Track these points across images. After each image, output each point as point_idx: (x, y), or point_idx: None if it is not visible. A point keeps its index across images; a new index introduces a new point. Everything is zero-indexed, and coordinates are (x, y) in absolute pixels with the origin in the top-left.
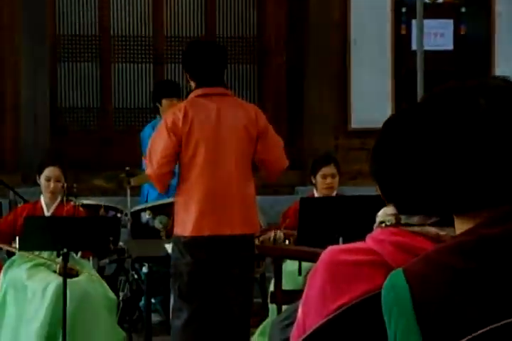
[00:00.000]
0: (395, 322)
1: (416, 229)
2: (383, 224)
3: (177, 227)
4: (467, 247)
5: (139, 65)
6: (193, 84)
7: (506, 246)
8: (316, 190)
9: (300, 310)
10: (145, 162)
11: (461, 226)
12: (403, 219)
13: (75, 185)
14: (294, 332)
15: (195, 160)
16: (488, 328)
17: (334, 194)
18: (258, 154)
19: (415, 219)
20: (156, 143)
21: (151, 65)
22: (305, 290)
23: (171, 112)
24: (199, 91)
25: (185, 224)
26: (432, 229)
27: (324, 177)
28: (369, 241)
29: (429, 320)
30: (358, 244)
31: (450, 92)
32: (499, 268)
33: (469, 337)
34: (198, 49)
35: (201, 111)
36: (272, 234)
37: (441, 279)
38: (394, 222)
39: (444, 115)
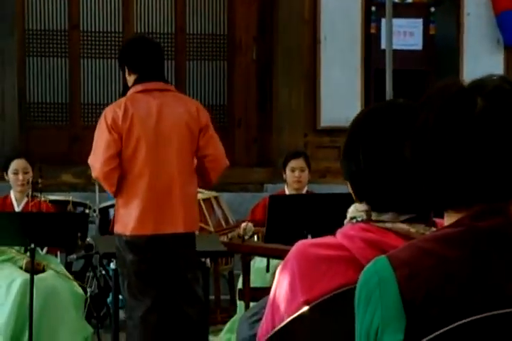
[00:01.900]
0: (374, 308)
1: (387, 225)
2: (354, 220)
3: (118, 225)
4: (456, 237)
5: (108, 60)
6: (132, 78)
7: (494, 238)
8: (287, 185)
9: (268, 305)
10: (89, 162)
11: (450, 221)
12: (374, 215)
13: (40, 181)
14: (262, 326)
15: (136, 157)
16: (470, 319)
17: (304, 191)
18: (200, 150)
19: (386, 216)
20: (98, 141)
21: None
22: (274, 284)
23: (111, 109)
24: (139, 87)
25: (126, 223)
26: (403, 226)
27: (293, 170)
28: (339, 237)
29: (415, 304)
30: (329, 239)
31: (448, 91)
32: (487, 259)
33: (453, 325)
34: (138, 43)
35: (141, 107)
36: (242, 225)
37: (428, 265)
38: (365, 217)
39: (441, 114)
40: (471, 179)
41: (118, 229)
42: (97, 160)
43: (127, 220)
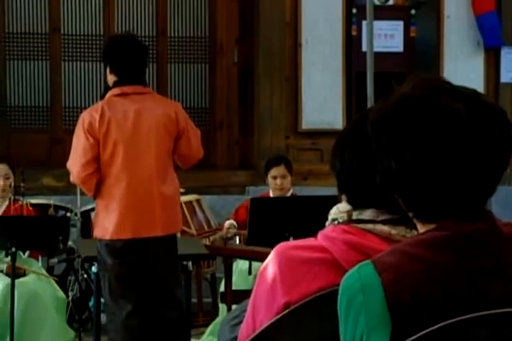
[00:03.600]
0: (357, 314)
1: (368, 226)
2: (335, 222)
3: (97, 230)
4: (441, 241)
5: (89, 63)
6: (112, 78)
7: (480, 242)
8: (270, 189)
9: (249, 307)
10: (67, 167)
11: (421, 230)
12: (355, 215)
13: (22, 184)
14: (242, 329)
15: (114, 161)
16: (454, 320)
17: (289, 194)
18: (178, 151)
19: (367, 214)
20: (75, 146)
21: (102, 63)
22: (255, 286)
23: (88, 113)
24: (117, 91)
25: (106, 227)
26: (384, 228)
27: (274, 178)
28: (320, 239)
29: (401, 309)
30: (310, 241)
31: (426, 94)
32: (472, 263)
33: (438, 326)
34: (124, 44)
35: (118, 111)
36: (226, 223)
37: (413, 269)
38: (346, 219)
39: (422, 117)
40: (444, 192)
41: (98, 233)
42: (74, 165)
43: (106, 224)
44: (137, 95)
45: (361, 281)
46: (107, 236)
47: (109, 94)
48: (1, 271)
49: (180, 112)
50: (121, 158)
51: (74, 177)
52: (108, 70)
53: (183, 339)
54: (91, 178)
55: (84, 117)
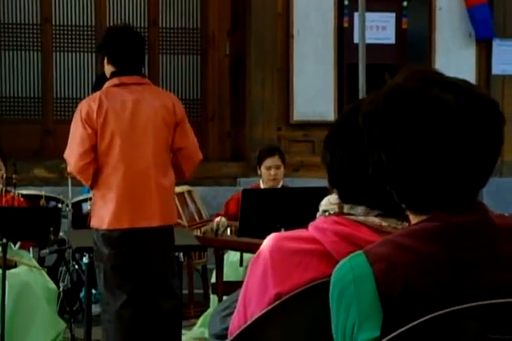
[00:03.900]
0: (348, 305)
1: (360, 218)
2: (326, 213)
3: (94, 220)
4: (433, 232)
5: (81, 54)
6: (110, 69)
7: (471, 233)
8: (262, 181)
9: (240, 298)
10: (64, 156)
11: (414, 220)
12: (346, 208)
13: (14, 176)
14: (234, 319)
15: (111, 151)
16: (445, 311)
17: (280, 185)
18: (175, 143)
19: (358, 210)
20: (73, 135)
21: (93, 54)
22: (246, 277)
23: (85, 103)
24: (115, 81)
25: (103, 217)
26: (376, 220)
27: (268, 168)
28: (312, 230)
29: (392, 299)
30: (301, 232)
31: (417, 86)
32: (463, 254)
33: (428, 316)
34: (122, 35)
35: (116, 101)
36: (216, 219)
37: (405, 260)
38: (337, 210)
39: (411, 109)
40: (435, 184)
41: (94, 223)
42: (72, 155)
43: (103, 214)
44: (135, 85)
45: (353, 272)
46: (104, 226)
47: (107, 84)
48: None
49: (177, 104)
50: (119, 148)
51: (71, 166)
52: (105, 61)
53: (175, 330)
54: (88, 168)
55: (82, 107)
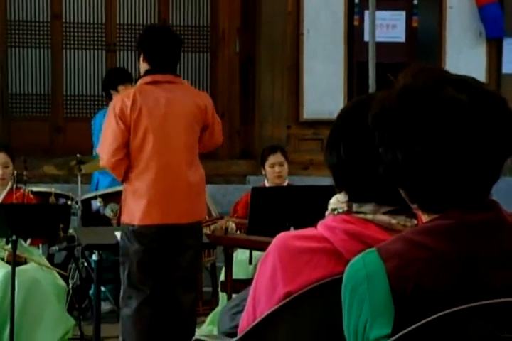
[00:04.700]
0: (361, 302)
1: (368, 216)
2: (335, 212)
3: (125, 215)
4: (446, 230)
5: (91, 51)
6: (145, 67)
7: (484, 231)
8: (267, 180)
9: (250, 296)
10: (97, 151)
11: (425, 219)
12: (355, 207)
13: (25, 173)
14: (243, 317)
15: (144, 148)
16: (456, 309)
17: (286, 183)
18: (203, 141)
19: (368, 208)
20: (106, 131)
21: (103, 52)
22: (255, 276)
23: (119, 99)
24: (148, 79)
25: (133, 213)
26: (384, 218)
27: (272, 166)
28: (321, 228)
29: (404, 296)
30: (310, 231)
31: (429, 85)
32: (476, 251)
33: (439, 314)
34: (159, 34)
35: (150, 98)
36: (224, 224)
37: (418, 257)
38: (346, 209)
39: (428, 109)
40: (451, 183)
41: (125, 218)
42: (104, 151)
43: (134, 210)
44: (168, 84)
45: (366, 268)
46: (135, 222)
47: (140, 81)
48: (2, 259)
49: (209, 104)
50: (152, 145)
51: (104, 162)
52: (141, 58)
53: (193, 323)
54: (120, 164)
55: (116, 103)
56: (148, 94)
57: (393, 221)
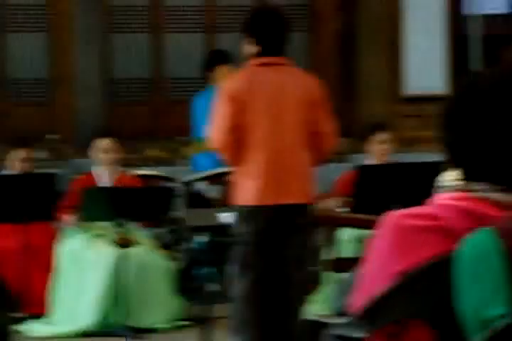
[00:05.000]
0: (477, 279)
1: (483, 194)
2: (446, 189)
3: (239, 196)
4: None
5: (191, 34)
6: (253, 49)
7: None
8: (370, 157)
9: (362, 275)
10: (207, 133)
11: None
12: (468, 185)
13: (130, 156)
14: (356, 298)
15: (256, 129)
16: None
17: (389, 161)
18: (313, 126)
19: (481, 186)
20: (218, 112)
21: (203, 34)
22: (367, 255)
23: (231, 80)
24: (259, 61)
25: (247, 194)
26: (499, 195)
27: (381, 142)
28: (433, 206)
29: None
30: (422, 209)
31: None
32: None
33: None
34: (266, 16)
35: (262, 80)
36: (328, 203)
37: None
38: (459, 187)
39: None
40: None
41: (239, 200)
42: (215, 132)
43: (249, 191)
44: (277, 66)
45: (482, 247)
46: (249, 203)
47: (252, 63)
48: (112, 242)
49: (318, 85)
50: (263, 126)
51: (215, 143)
52: (248, 41)
53: (303, 302)
54: (231, 146)
55: (227, 85)
56: (260, 76)
57: (508, 198)
